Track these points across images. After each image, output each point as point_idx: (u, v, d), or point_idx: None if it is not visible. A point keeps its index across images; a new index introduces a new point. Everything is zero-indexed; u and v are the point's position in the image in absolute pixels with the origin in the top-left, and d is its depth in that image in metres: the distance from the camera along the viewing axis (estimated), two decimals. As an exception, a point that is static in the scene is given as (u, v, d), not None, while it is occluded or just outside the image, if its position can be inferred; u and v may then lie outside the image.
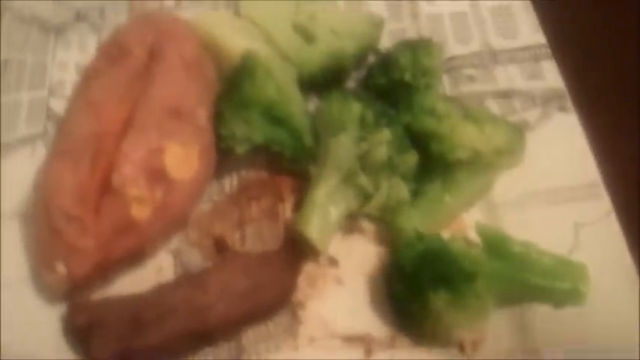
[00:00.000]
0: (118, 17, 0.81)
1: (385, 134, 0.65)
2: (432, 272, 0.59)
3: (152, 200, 0.62)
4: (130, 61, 0.68)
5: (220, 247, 0.68)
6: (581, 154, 0.72)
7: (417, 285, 0.60)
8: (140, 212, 0.61)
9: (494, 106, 0.76)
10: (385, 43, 0.78)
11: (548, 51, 0.79)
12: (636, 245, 0.66)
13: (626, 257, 0.66)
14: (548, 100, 0.76)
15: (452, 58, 0.80)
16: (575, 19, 0.84)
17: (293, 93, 0.70)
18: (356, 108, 0.66)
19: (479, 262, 0.60)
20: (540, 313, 0.64)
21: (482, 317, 0.60)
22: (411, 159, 0.67)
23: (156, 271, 0.66)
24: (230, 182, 0.72)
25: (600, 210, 0.68)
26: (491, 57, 0.80)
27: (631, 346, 0.62)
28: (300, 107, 0.70)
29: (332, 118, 0.67)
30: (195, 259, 0.67)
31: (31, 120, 0.73)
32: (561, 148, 0.72)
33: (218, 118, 0.68)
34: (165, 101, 0.65)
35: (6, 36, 0.79)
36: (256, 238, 0.69)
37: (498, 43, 0.81)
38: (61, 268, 0.60)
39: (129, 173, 0.61)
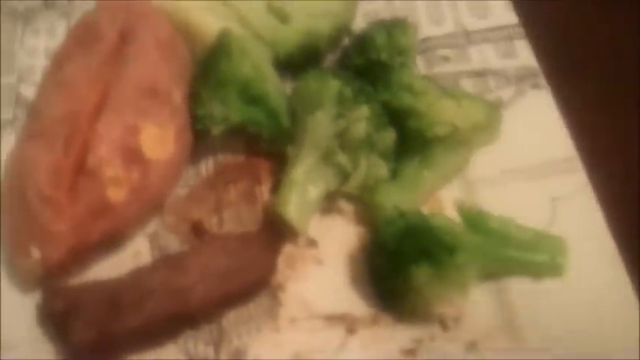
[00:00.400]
0: (86, 4, 0.79)
1: (364, 110, 0.65)
2: (413, 247, 0.59)
3: (128, 181, 0.61)
4: (102, 43, 0.67)
5: (198, 231, 0.67)
6: (555, 130, 0.72)
7: (399, 260, 0.60)
8: (116, 194, 0.60)
9: (469, 86, 0.76)
10: (359, 24, 0.78)
11: (521, 30, 0.80)
12: (612, 217, 0.67)
13: (602, 228, 0.66)
14: (521, 78, 0.76)
15: (425, 39, 0.80)
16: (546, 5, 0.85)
17: (269, 72, 0.69)
18: (334, 85, 0.65)
19: (460, 235, 0.60)
20: (519, 287, 0.64)
21: (464, 290, 0.60)
22: (389, 136, 0.67)
23: (133, 256, 0.65)
24: (206, 166, 0.71)
25: (576, 183, 0.69)
26: (465, 37, 0.80)
27: (607, 316, 0.62)
28: (277, 87, 0.70)
29: (310, 95, 0.67)
30: (173, 244, 0.66)
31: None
32: (536, 125, 0.73)
33: (194, 98, 0.67)
34: (139, 81, 0.64)
35: (-29, 24, 0.77)
36: (234, 221, 0.68)
37: (471, 23, 0.81)
38: (35, 253, 0.59)
39: (104, 153, 0.60)
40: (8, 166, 0.65)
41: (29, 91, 0.73)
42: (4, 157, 0.67)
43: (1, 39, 0.77)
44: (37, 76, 0.74)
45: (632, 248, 0.65)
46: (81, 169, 0.60)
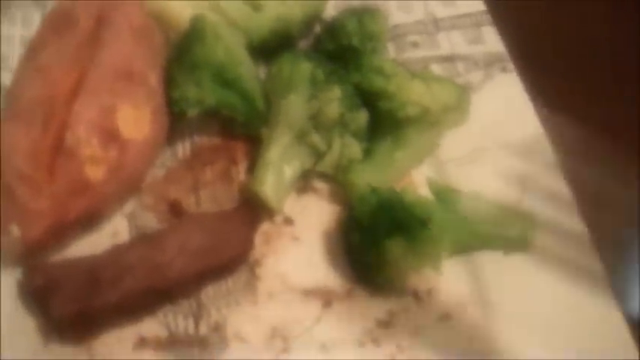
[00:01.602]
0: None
1: (336, 91, 0.66)
2: (387, 221, 0.61)
3: (105, 160, 0.62)
4: (77, 29, 0.68)
5: (176, 210, 0.68)
6: (522, 111, 0.75)
7: (373, 235, 0.61)
8: (94, 172, 0.61)
9: (438, 70, 0.79)
10: (330, 12, 0.80)
11: (488, 17, 0.82)
12: (578, 193, 0.69)
13: (570, 204, 0.68)
14: (490, 62, 0.79)
15: (396, 26, 0.82)
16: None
17: (242, 56, 0.71)
18: (306, 67, 0.67)
19: (432, 210, 0.62)
20: (490, 261, 0.66)
21: (437, 264, 0.62)
22: (362, 117, 0.68)
23: (111, 235, 0.66)
24: (183, 148, 0.72)
25: (544, 161, 0.71)
26: (434, 24, 0.83)
27: (574, 288, 0.64)
28: (251, 70, 0.71)
29: (283, 78, 0.68)
30: (151, 223, 0.67)
31: (-24, 93, 0.72)
32: (505, 106, 0.75)
33: (169, 81, 0.68)
34: (115, 64, 0.65)
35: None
36: (211, 201, 0.69)
37: (440, 10, 0.84)
38: (14, 231, 0.60)
39: (82, 133, 0.61)
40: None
41: (5, 78, 0.73)
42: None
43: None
44: (13, 64, 0.74)
45: (598, 224, 0.67)
46: (59, 149, 0.61)
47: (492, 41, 0.81)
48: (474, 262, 0.66)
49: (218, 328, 0.62)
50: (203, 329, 0.62)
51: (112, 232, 0.66)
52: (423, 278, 0.65)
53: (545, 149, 0.72)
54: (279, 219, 0.68)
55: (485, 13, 0.83)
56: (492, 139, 0.73)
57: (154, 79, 0.67)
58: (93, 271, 0.59)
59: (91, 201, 0.62)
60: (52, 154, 0.61)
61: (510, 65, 0.79)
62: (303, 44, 0.79)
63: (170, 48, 0.71)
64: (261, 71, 0.74)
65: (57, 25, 0.70)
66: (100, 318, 0.59)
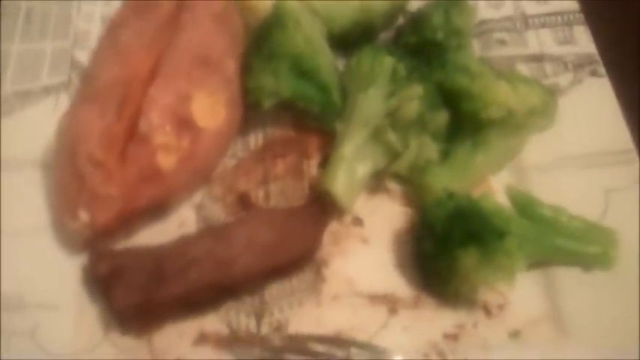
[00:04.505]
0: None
1: (417, 89, 0.64)
2: (462, 230, 0.58)
3: (178, 149, 0.61)
4: (158, 12, 0.68)
5: (244, 203, 0.67)
6: (612, 120, 0.70)
7: (446, 243, 0.59)
8: (166, 160, 0.60)
9: (525, 70, 0.75)
10: (414, 5, 0.76)
11: (581, 16, 0.78)
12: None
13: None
14: (580, 65, 0.75)
15: (483, 22, 0.78)
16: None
17: (322, 46, 0.69)
18: (388, 62, 0.65)
19: (510, 220, 0.59)
20: (567, 277, 0.63)
21: (511, 277, 0.59)
22: (442, 117, 0.65)
23: (178, 225, 0.66)
24: (255, 139, 0.71)
25: (631, 176, 0.67)
26: (523, 21, 0.78)
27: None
28: (329, 61, 0.69)
29: (362, 72, 0.66)
30: (218, 214, 0.66)
31: (54, 70, 0.72)
32: (593, 113, 0.71)
33: (246, 70, 0.67)
34: (193, 50, 0.64)
35: (30, -13, 0.78)
36: (281, 195, 0.68)
37: (530, 7, 0.79)
38: (84, 216, 0.60)
39: (156, 119, 0.60)
40: (61, 128, 0.65)
41: (83, 56, 0.73)
42: (57, 119, 0.68)
43: (58, 4, 0.77)
44: (92, 42, 0.74)
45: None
46: (132, 135, 0.60)
47: (584, 42, 0.76)
48: (550, 277, 0.63)
49: (280, 329, 0.60)
50: (264, 328, 0.61)
51: (179, 222, 0.66)
52: (495, 291, 0.62)
53: (634, 162, 0.68)
54: (347, 219, 0.66)
55: (579, 12, 0.78)
56: (578, 147, 0.69)
57: (231, 66, 0.66)
58: (158, 262, 0.59)
59: (161, 190, 0.61)
60: (125, 139, 0.61)
61: (602, 69, 0.74)
62: (384, 36, 0.76)
63: (249, 35, 0.69)
64: (340, 63, 0.72)
65: (138, 6, 0.70)
66: (162, 310, 0.59)
